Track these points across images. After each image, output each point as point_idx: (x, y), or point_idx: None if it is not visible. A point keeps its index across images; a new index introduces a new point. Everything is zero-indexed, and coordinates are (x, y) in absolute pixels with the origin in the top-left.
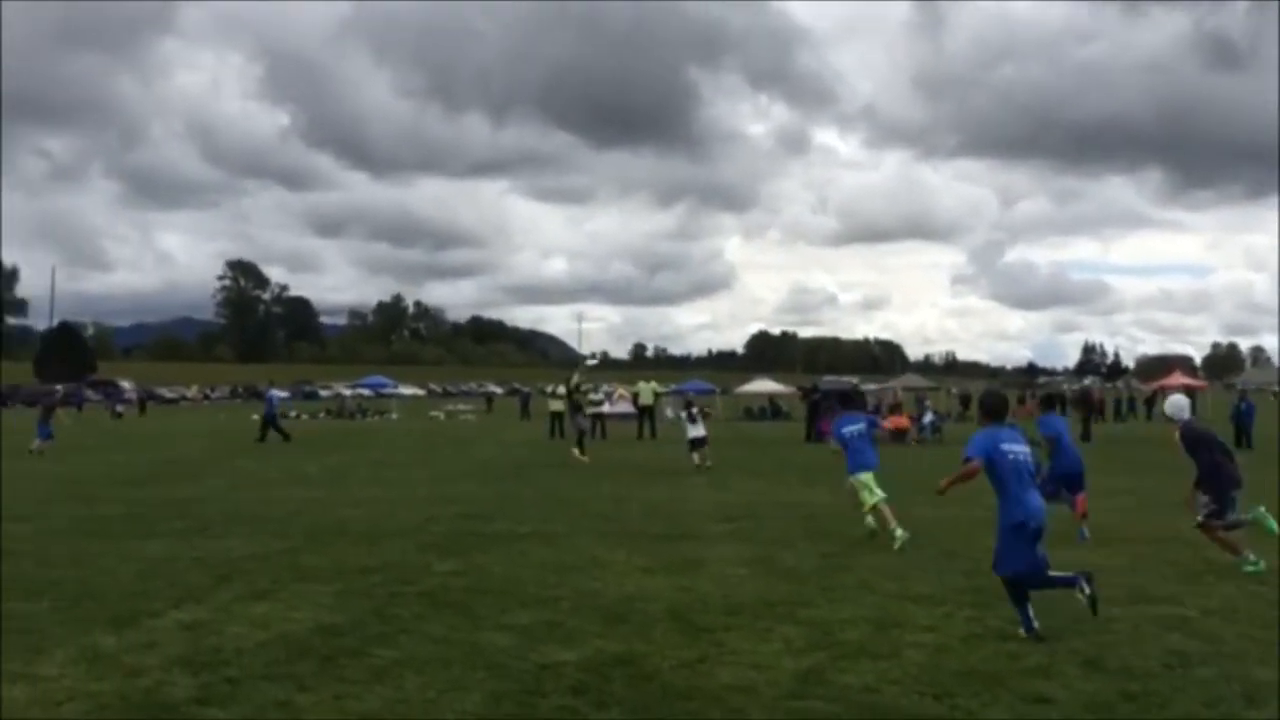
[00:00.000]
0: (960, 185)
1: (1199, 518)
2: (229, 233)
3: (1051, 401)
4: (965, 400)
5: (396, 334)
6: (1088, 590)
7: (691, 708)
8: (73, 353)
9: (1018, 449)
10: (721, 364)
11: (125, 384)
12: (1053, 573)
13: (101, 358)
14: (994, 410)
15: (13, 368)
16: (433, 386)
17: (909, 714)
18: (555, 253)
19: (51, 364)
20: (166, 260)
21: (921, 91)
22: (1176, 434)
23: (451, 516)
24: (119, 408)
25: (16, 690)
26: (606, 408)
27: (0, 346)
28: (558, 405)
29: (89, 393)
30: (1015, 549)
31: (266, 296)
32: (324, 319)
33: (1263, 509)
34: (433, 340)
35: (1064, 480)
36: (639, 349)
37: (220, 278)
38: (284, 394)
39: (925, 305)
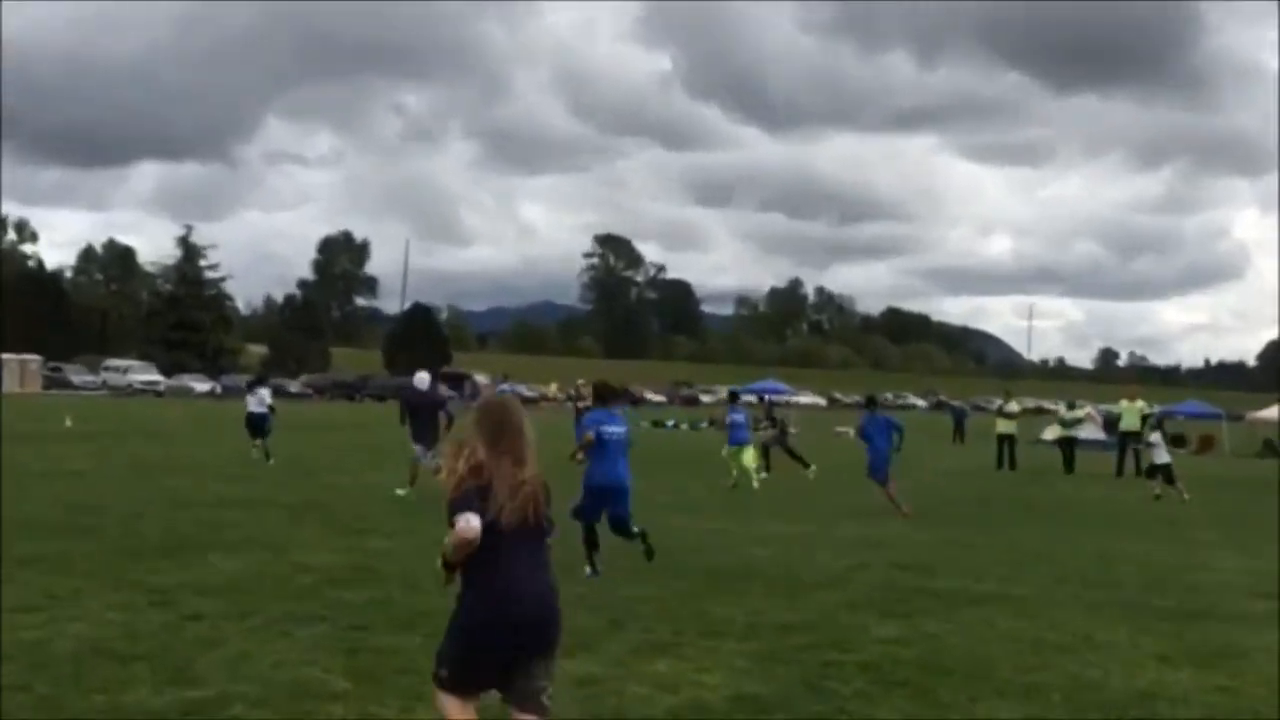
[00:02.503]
0: None
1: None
2: (598, 201)
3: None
4: None
5: (793, 328)
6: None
7: None
8: (427, 340)
9: (616, 429)
10: (1225, 379)
11: (481, 378)
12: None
13: (455, 347)
14: (604, 396)
15: (362, 355)
16: (837, 395)
17: None
18: (998, 228)
19: (404, 353)
20: (528, 233)
21: None
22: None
23: (885, 565)
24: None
25: None
26: (1083, 433)
27: (355, 331)
28: (1007, 426)
29: (444, 388)
30: (594, 504)
31: (639, 278)
32: (706, 307)
33: None
34: (838, 337)
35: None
36: (1108, 356)
37: (587, 255)
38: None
39: None
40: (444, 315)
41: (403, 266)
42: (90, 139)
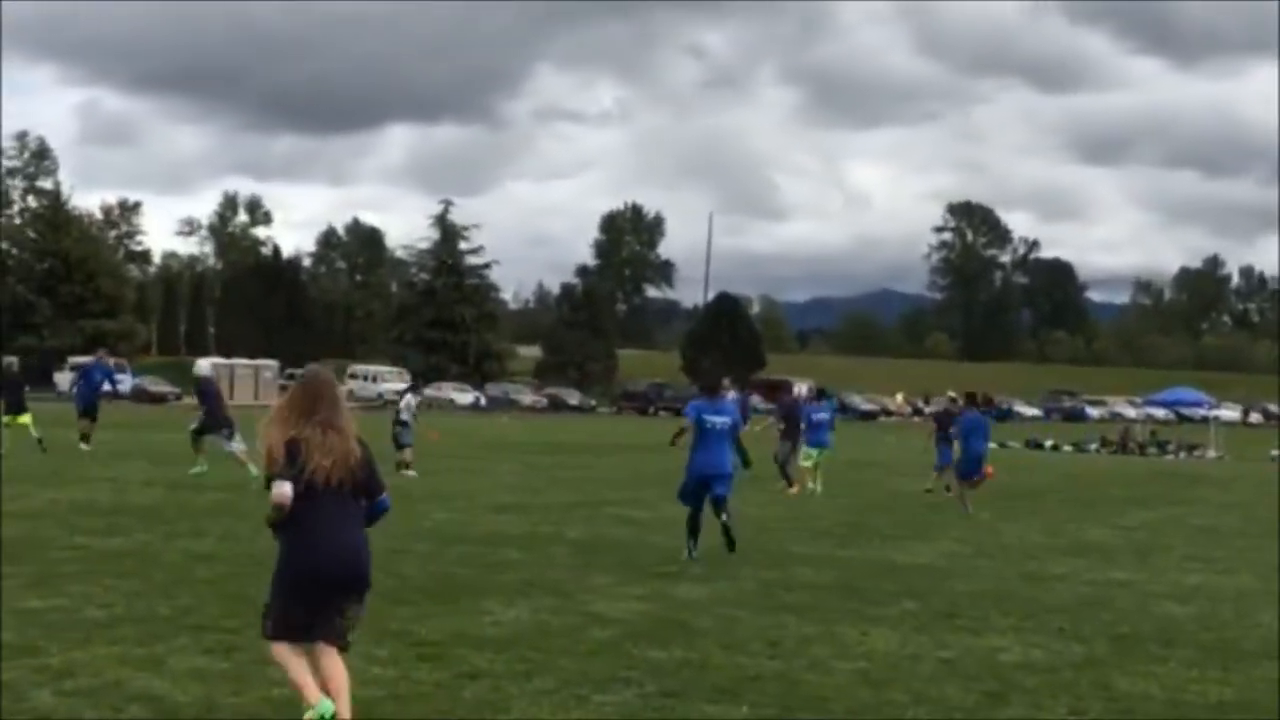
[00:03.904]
0: None
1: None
2: (951, 160)
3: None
4: None
5: (1211, 320)
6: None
7: None
8: (735, 339)
9: (717, 419)
10: None
11: (801, 387)
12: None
13: (770, 347)
14: (709, 388)
15: (656, 359)
16: (1270, 407)
17: None
18: None
19: (707, 355)
20: (860, 203)
21: None
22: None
23: None
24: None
25: None
26: None
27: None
28: None
29: (755, 399)
30: (689, 490)
31: (1006, 259)
32: (1093, 295)
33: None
34: (1271, 331)
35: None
36: None
37: (938, 229)
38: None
39: None
40: (755, 308)
41: (705, 248)
42: (329, 99)
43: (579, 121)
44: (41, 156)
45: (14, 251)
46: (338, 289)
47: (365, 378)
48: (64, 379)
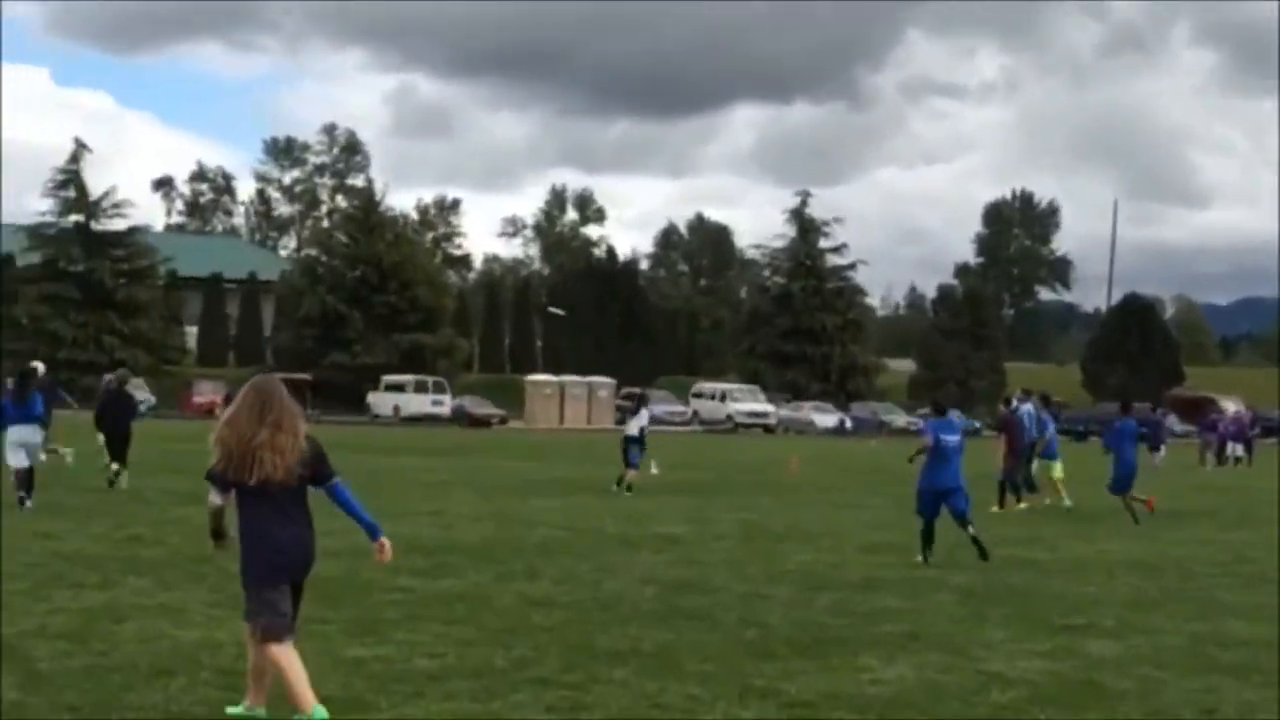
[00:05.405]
0: None
1: None
2: None
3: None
4: None
5: None
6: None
7: None
8: (1145, 349)
9: (950, 438)
10: None
11: (1230, 405)
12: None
13: (1189, 359)
14: (939, 409)
15: (1050, 372)
16: None
17: None
18: None
19: (1112, 368)
20: None
21: None
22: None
23: None
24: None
25: None
26: None
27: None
28: None
29: (1171, 419)
30: (924, 500)
31: None
32: None
33: None
34: None
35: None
36: None
37: None
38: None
39: None
40: (1170, 312)
41: (1109, 242)
42: (668, 78)
43: (957, 96)
44: (352, 151)
45: (323, 258)
46: (679, 295)
47: (713, 396)
48: (379, 400)
